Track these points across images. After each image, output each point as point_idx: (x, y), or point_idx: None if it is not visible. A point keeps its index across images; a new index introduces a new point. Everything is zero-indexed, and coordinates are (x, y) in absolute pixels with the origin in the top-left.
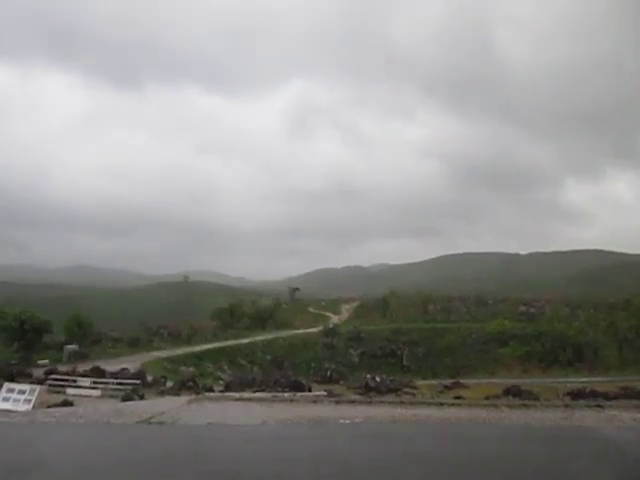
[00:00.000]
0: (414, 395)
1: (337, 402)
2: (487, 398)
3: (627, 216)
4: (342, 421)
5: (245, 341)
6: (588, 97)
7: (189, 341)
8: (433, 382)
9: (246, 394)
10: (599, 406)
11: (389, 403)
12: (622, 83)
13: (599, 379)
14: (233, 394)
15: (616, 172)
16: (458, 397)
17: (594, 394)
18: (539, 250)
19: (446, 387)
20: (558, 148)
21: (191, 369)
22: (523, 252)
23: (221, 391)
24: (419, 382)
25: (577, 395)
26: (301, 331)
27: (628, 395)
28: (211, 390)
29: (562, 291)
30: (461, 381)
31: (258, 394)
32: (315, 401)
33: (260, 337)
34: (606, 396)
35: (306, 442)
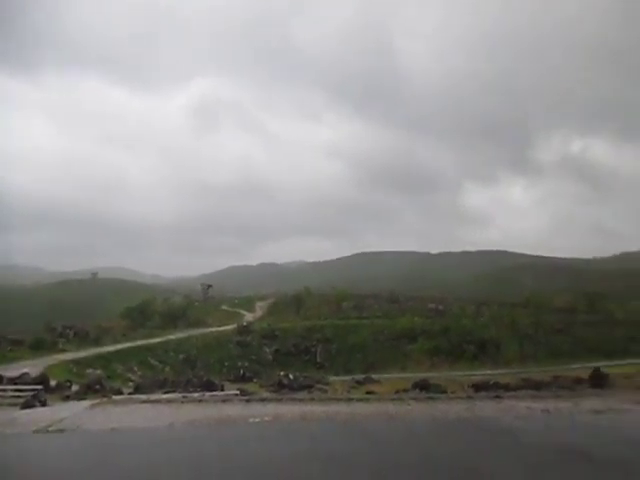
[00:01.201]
0: (326, 391)
1: (247, 401)
2: (397, 392)
3: (522, 219)
4: (251, 420)
5: (156, 341)
6: (485, 109)
7: (97, 342)
8: (346, 378)
9: (155, 396)
10: (498, 397)
11: (300, 400)
12: (515, 98)
13: (502, 371)
14: (141, 396)
15: (510, 179)
16: (370, 392)
17: (497, 386)
18: (448, 250)
19: (358, 382)
20: (458, 154)
21: (98, 371)
22: (433, 252)
23: (130, 393)
24: (332, 378)
25: (481, 387)
26: (214, 329)
27: (527, 386)
28: (120, 393)
29: (468, 289)
30: (373, 376)
31: (167, 395)
32: (225, 400)
33: (172, 336)
34: (507, 387)
35: (213, 443)
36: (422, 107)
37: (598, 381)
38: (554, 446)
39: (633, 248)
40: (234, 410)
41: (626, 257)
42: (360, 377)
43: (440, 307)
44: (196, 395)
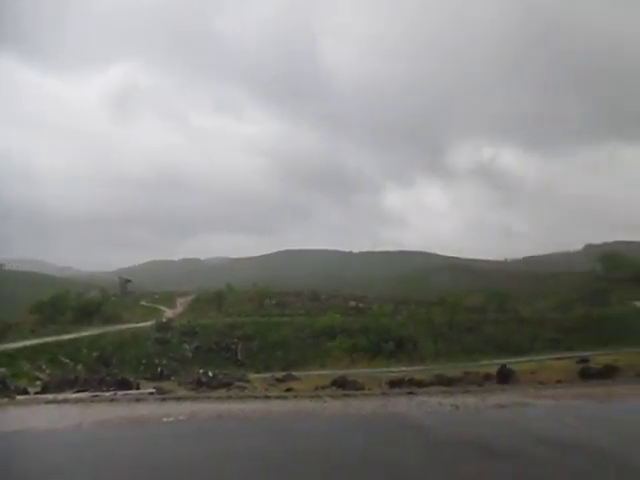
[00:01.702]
0: (245, 389)
1: (163, 399)
2: (316, 389)
3: (437, 222)
4: (165, 419)
5: (68, 337)
6: (403, 112)
7: (2, 338)
8: (266, 375)
9: (63, 395)
10: (411, 393)
11: (216, 398)
12: (432, 103)
13: (417, 368)
14: (47, 396)
15: (427, 182)
16: (289, 389)
17: (412, 382)
18: (369, 250)
19: (278, 380)
20: (378, 156)
21: (2, 370)
22: (355, 251)
23: (37, 393)
24: (252, 376)
25: (397, 384)
26: (132, 326)
27: (440, 382)
28: (26, 392)
29: (388, 288)
30: (293, 373)
31: (77, 395)
32: (139, 399)
33: (86, 332)
34: (421, 384)
35: (123, 444)
36: (343, 107)
37: (504, 377)
38: (459, 440)
39: (539, 252)
40: (148, 409)
41: (533, 260)
42: (280, 374)
43: (360, 305)
44: (108, 394)
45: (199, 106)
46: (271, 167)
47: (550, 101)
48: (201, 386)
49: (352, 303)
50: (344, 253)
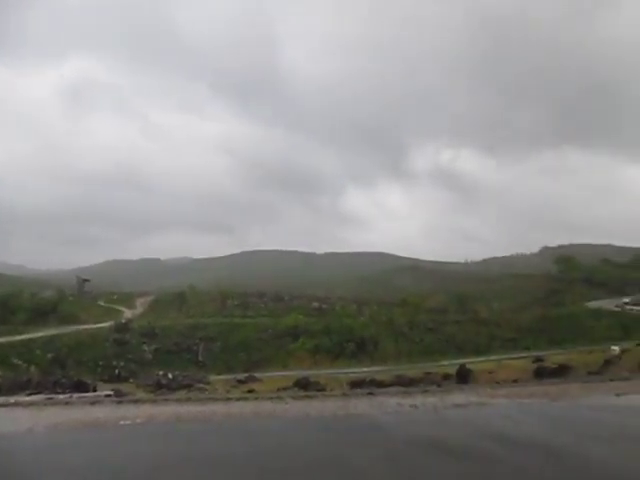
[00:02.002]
0: (206, 391)
1: (120, 402)
2: (278, 390)
3: (399, 224)
4: (122, 422)
5: (21, 338)
6: (364, 114)
7: None
8: (228, 377)
9: (14, 398)
10: (371, 394)
11: (175, 401)
12: (393, 105)
13: (378, 369)
14: None
15: (388, 184)
16: (250, 391)
17: (373, 383)
18: (333, 251)
19: (240, 381)
20: (340, 157)
21: None
22: (319, 252)
23: None
24: (214, 377)
25: (358, 384)
26: (89, 326)
27: (400, 382)
28: None
29: (351, 289)
30: (255, 375)
31: (29, 398)
32: (95, 402)
33: (40, 333)
34: (382, 384)
35: (77, 449)
36: (304, 107)
37: (463, 377)
38: (417, 439)
39: (499, 254)
40: (104, 412)
41: (493, 262)
42: (242, 376)
43: (323, 306)
44: (62, 397)
45: (159, 103)
46: (233, 166)
47: (505, 106)
48: (160, 388)
49: (315, 304)
50: (307, 254)
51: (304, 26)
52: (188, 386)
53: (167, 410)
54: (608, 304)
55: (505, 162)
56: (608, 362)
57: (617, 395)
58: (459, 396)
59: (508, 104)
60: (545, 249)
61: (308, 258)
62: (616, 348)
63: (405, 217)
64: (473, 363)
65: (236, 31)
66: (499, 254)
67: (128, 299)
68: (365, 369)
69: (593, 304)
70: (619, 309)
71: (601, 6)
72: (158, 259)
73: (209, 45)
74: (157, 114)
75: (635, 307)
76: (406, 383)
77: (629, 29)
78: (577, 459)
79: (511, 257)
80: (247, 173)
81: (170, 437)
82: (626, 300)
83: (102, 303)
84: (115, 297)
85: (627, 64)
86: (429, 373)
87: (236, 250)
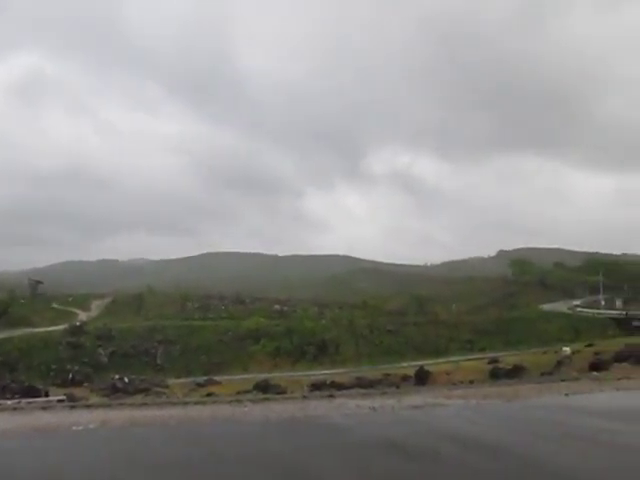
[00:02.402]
0: (163, 394)
1: (72, 407)
2: (238, 393)
3: (359, 227)
4: (75, 428)
5: None
6: (321, 117)
7: None
8: (187, 380)
9: None
10: (331, 396)
11: (130, 405)
12: (350, 109)
13: (339, 371)
14: None
15: (346, 187)
16: (210, 394)
17: (333, 385)
18: (294, 253)
19: (199, 385)
20: (298, 160)
21: None
22: (281, 254)
23: None
24: (172, 381)
25: (319, 386)
26: (42, 329)
27: (360, 384)
28: None
29: (313, 292)
30: (215, 378)
31: None
32: (46, 407)
33: None
34: (343, 386)
35: (25, 456)
36: (262, 109)
37: (422, 378)
38: (374, 440)
39: (457, 257)
40: (55, 418)
41: (452, 264)
42: (201, 379)
43: (285, 309)
44: (10, 402)
45: (111, 102)
46: (190, 167)
47: (457, 112)
48: (116, 392)
49: (276, 306)
50: (269, 256)
51: (258, 26)
52: (145, 390)
53: (122, 415)
54: (560, 306)
55: (461, 167)
56: (560, 363)
57: (566, 395)
58: (416, 397)
59: (460, 110)
60: (501, 252)
61: (270, 260)
62: (567, 349)
63: (365, 220)
64: (431, 364)
65: (189, 30)
66: (458, 257)
67: (84, 301)
68: (326, 371)
69: (546, 306)
70: (570, 311)
71: (551, 14)
72: (116, 260)
73: (162, 43)
74: (110, 113)
75: (585, 309)
76: (366, 385)
77: (579, 37)
78: (526, 458)
79: (469, 260)
80: (204, 174)
81: (123, 442)
82: (577, 302)
83: (56, 305)
84: (70, 299)
85: (576, 72)
86: (388, 375)
87: (196, 252)
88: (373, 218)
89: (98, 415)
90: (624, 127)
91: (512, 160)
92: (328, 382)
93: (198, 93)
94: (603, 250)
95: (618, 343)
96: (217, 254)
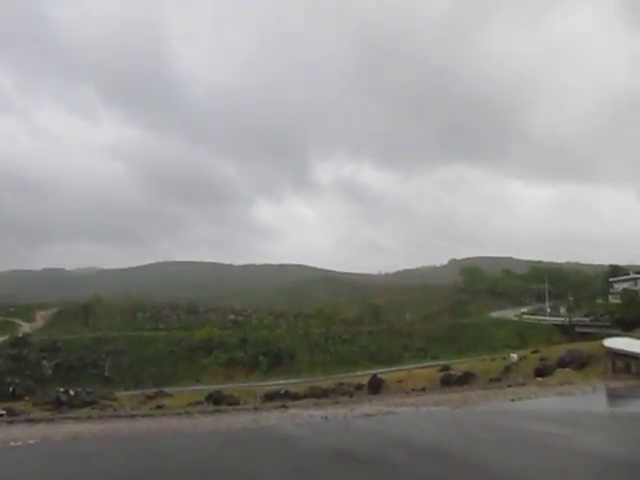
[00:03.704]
0: (110, 407)
1: (10, 422)
2: (189, 405)
3: (309, 236)
4: (13, 444)
5: None
6: (266, 125)
7: None
8: (136, 392)
9: None
10: (284, 406)
11: (75, 419)
12: (295, 117)
13: (294, 380)
14: None
15: (294, 197)
16: (160, 407)
17: (287, 395)
18: (248, 262)
19: (148, 397)
20: (243, 167)
21: None
22: (236, 264)
23: None
24: (121, 393)
25: (272, 397)
26: None
27: (314, 394)
28: None
29: (268, 301)
30: (165, 390)
31: None
32: None
33: None
34: (297, 396)
35: None
36: (201, 116)
37: (375, 386)
38: (325, 449)
39: (406, 265)
40: None
41: (404, 273)
42: (151, 391)
43: (239, 318)
44: None
45: (45, 107)
46: (131, 174)
47: (400, 124)
48: (60, 406)
49: (231, 316)
50: (223, 265)
51: (192, 28)
52: (92, 403)
53: (64, 429)
54: (508, 314)
55: (404, 176)
56: (508, 369)
57: (512, 400)
58: (368, 406)
59: (400, 122)
60: (453, 261)
61: (224, 270)
62: (514, 355)
63: (314, 229)
64: (385, 373)
65: (120, 31)
66: (407, 265)
67: (27, 312)
68: (281, 381)
69: (495, 314)
70: (517, 318)
71: (473, 29)
72: (62, 269)
73: (92, 44)
74: (44, 117)
75: (532, 316)
76: (319, 394)
77: (502, 52)
78: (471, 462)
79: (422, 269)
80: (146, 181)
81: (64, 458)
82: (524, 310)
83: None
84: (12, 310)
85: (504, 85)
86: (342, 384)
87: (147, 261)
88: (323, 227)
89: (39, 430)
90: (555, 138)
91: (453, 170)
92: (282, 392)
93: (134, 97)
94: (546, 259)
95: (562, 349)
96: (169, 263)
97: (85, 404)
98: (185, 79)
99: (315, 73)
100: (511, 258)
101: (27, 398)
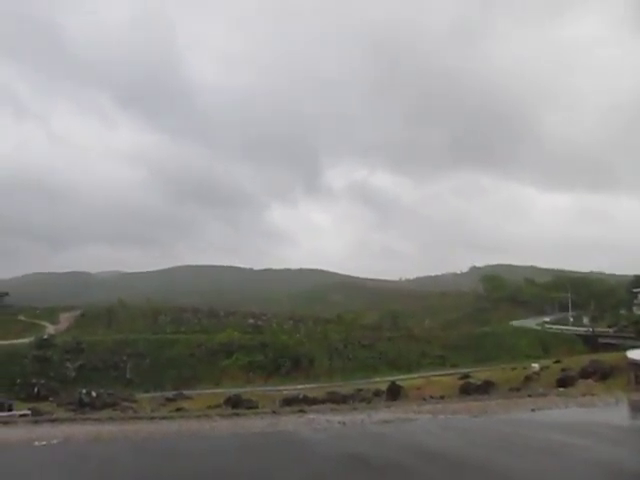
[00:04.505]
0: (131, 409)
1: (35, 422)
2: (208, 408)
3: (324, 241)
4: (37, 443)
5: None
6: (277, 130)
7: None
8: (156, 395)
9: None
10: (302, 411)
11: (96, 420)
12: (309, 123)
13: (312, 386)
14: None
15: (307, 202)
16: (179, 409)
17: (305, 400)
18: (268, 267)
19: (168, 399)
20: (258, 173)
21: None
22: (256, 268)
23: None
24: (141, 395)
25: (291, 401)
26: (7, 342)
27: (332, 399)
28: None
29: (287, 306)
30: (185, 392)
31: None
32: (7, 422)
33: None
34: (315, 401)
35: None
36: (217, 121)
37: (393, 393)
38: (342, 454)
39: (424, 271)
40: (17, 432)
41: (424, 280)
42: (171, 394)
43: (259, 323)
44: None
45: (61, 112)
46: (149, 179)
47: (414, 128)
48: (83, 407)
49: (251, 320)
50: (243, 270)
51: (202, 34)
52: (113, 404)
53: (87, 430)
54: (530, 323)
55: (417, 182)
56: (528, 378)
57: (532, 410)
58: (386, 412)
59: (413, 126)
60: (473, 269)
61: (244, 274)
62: (536, 365)
63: (330, 234)
64: (404, 380)
65: (137, 39)
66: (425, 272)
67: (52, 314)
68: (299, 386)
69: (516, 323)
70: (539, 327)
71: (478, 34)
72: (87, 272)
73: (103, 51)
74: (60, 123)
75: (554, 326)
76: (338, 400)
77: (507, 56)
78: (488, 471)
79: (442, 276)
80: (165, 186)
81: (86, 458)
82: (546, 319)
83: (23, 318)
84: (37, 312)
85: (514, 90)
86: (361, 390)
87: (167, 265)
88: (338, 232)
89: (62, 430)
90: (568, 144)
91: (466, 176)
92: (300, 397)
93: (149, 103)
94: (569, 267)
95: (584, 360)
96: (189, 267)
97: (106, 405)
98: (199, 85)
99: (329, 80)
100: (533, 267)
101: (51, 399)
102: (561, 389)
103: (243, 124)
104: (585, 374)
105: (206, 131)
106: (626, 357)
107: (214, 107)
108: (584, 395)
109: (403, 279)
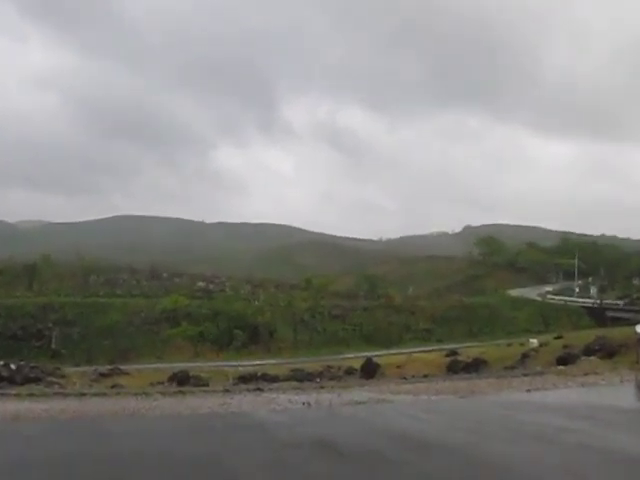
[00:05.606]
0: (57, 385)
1: None
2: (150, 385)
3: (284, 189)
4: None
5: None
6: (223, 54)
7: None
8: (88, 369)
9: None
10: (259, 389)
11: (15, 396)
12: (259, 45)
13: (273, 361)
14: None
15: (262, 142)
16: (115, 386)
17: (265, 377)
18: (221, 220)
19: (102, 375)
20: (200, 105)
21: None
22: (208, 221)
23: None
24: (70, 369)
25: (247, 379)
26: None
27: (297, 377)
28: None
29: (245, 268)
30: (122, 367)
31: None
32: None
33: None
34: (275, 379)
35: None
36: (144, 39)
37: (369, 371)
38: (306, 440)
39: (415, 231)
40: None
41: (410, 241)
42: (106, 368)
43: (210, 287)
44: None
45: None
46: (68, 108)
47: (391, 58)
48: (1, 381)
49: (200, 284)
50: (192, 223)
51: None
52: (36, 379)
53: (4, 408)
54: (530, 292)
55: (396, 122)
56: (525, 356)
57: (528, 391)
58: (359, 392)
59: (390, 55)
60: (467, 229)
61: (192, 227)
62: (534, 341)
63: (293, 182)
64: (381, 356)
65: None
66: (409, 231)
67: None
68: (257, 362)
69: (515, 292)
70: (541, 298)
71: None
72: (4, 222)
73: None
74: None
75: (557, 296)
76: (303, 378)
77: None
78: (472, 458)
79: (429, 236)
80: (88, 118)
81: (2, 439)
82: (548, 289)
83: None
84: None
85: (517, 18)
86: (330, 367)
87: (100, 215)
88: (303, 180)
89: None
90: (571, 86)
91: (454, 116)
92: (259, 374)
93: (64, 16)
94: (576, 230)
95: (590, 335)
96: (126, 217)
97: (29, 380)
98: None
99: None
100: (536, 227)
101: None
102: (561, 367)
103: (180, 45)
104: (589, 351)
105: (133, 50)
106: (636, 332)
107: (147, 23)
108: (586, 374)
109: (383, 239)
